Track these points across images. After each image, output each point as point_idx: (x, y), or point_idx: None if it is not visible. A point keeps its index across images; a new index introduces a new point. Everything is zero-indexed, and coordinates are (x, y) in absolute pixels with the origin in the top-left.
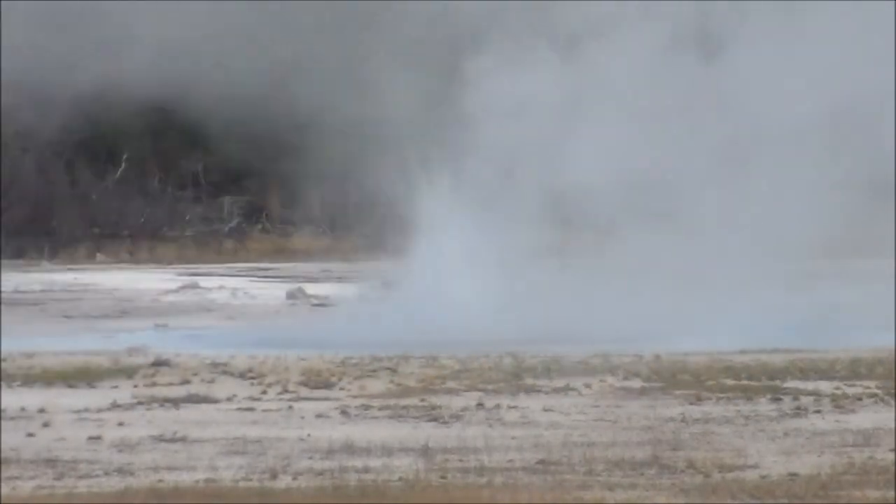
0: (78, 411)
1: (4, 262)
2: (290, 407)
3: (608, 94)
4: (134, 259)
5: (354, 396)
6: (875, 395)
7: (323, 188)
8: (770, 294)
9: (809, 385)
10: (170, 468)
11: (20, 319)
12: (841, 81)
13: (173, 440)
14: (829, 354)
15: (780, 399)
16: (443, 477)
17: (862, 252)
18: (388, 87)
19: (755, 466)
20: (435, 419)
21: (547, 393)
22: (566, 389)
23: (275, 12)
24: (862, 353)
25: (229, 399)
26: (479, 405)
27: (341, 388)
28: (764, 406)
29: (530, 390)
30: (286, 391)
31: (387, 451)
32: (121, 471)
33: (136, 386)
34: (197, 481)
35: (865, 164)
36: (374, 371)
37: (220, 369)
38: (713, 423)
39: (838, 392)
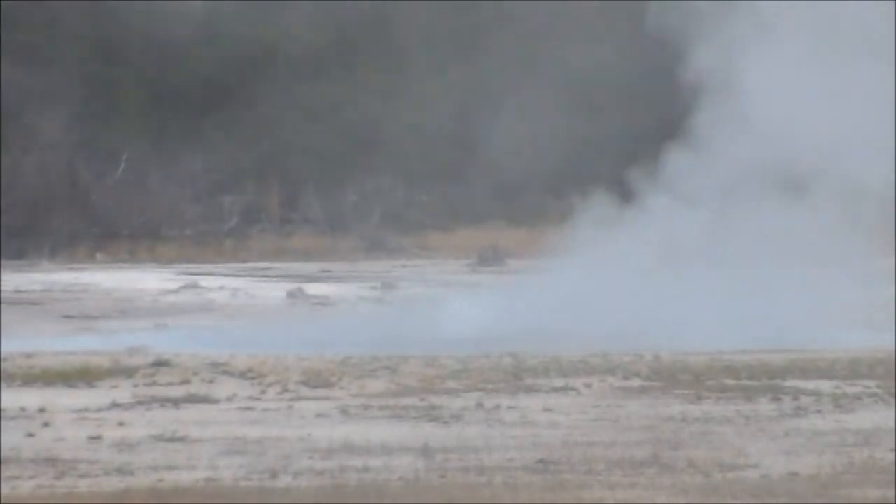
0: (78, 411)
1: (4, 262)
2: (290, 406)
3: None
4: (134, 259)
5: (354, 396)
6: (875, 394)
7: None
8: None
9: (809, 385)
10: (170, 468)
11: (20, 319)
12: None
13: (173, 440)
14: (829, 354)
15: (780, 399)
16: (443, 476)
17: None
18: None
19: (755, 466)
20: (435, 419)
21: (547, 392)
22: (566, 389)
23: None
24: (862, 353)
25: (229, 399)
26: (479, 405)
27: (341, 388)
28: (764, 406)
29: (530, 390)
30: (286, 391)
31: (387, 450)
32: (121, 470)
33: (135, 386)
34: (197, 481)
35: None
36: (374, 371)
37: (220, 369)
38: (713, 423)
39: (838, 392)
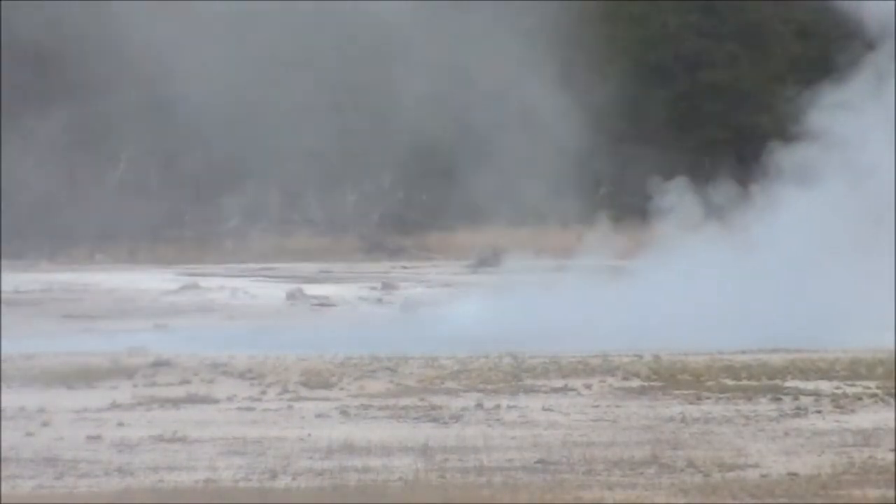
0: (78, 411)
1: (4, 262)
2: (290, 407)
3: None
4: (134, 259)
5: (354, 396)
6: (875, 394)
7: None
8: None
9: (809, 385)
10: (170, 468)
11: (20, 319)
12: None
13: (173, 440)
14: (829, 354)
15: (780, 399)
16: (442, 477)
17: None
18: None
19: (755, 466)
20: (434, 419)
21: (546, 393)
22: (566, 389)
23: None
24: (862, 353)
25: (229, 399)
26: (479, 405)
27: (341, 388)
28: (764, 406)
29: (530, 390)
30: (286, 391)
31: (386, 450)
32: (121, 471)
33: (135, 386)
34: (197, 481)
35: None
36: (374, 371)
37: (220, 369)
38: (713, 423)
39: (838, 392)
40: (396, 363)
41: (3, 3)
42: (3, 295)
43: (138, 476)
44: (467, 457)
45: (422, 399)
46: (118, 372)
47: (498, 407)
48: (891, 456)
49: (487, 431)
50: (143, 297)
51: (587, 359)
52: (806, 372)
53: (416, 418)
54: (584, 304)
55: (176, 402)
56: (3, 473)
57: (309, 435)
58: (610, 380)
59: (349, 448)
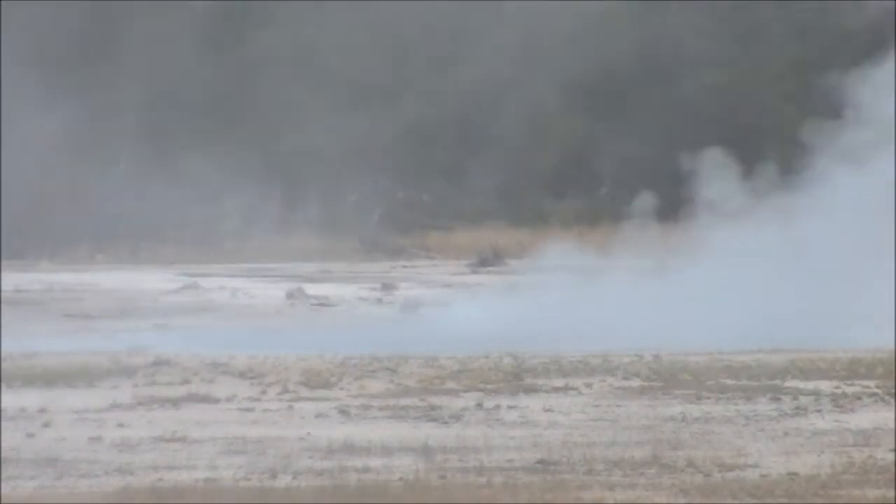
0: (78, 411)
1: (4, 262)
2: (290, 407)
3: None
4: (134, 259)
5: (354, 396)
6: (875, 394)
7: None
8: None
9: (809, 385)
10: (170, 468)
11: (20, 319)
12: None
13: (173, 440)
14: (829, 354)
15: (779, 399)
16: (442, 477)
17: None
18: None
19: (755, 466)
20: (435, 419)
21: (547, 393)
22: (566, 389)
23: None
24: (862, 353)
25: (229, 399)
26: (479, 405)
27: (341, 388)
28: (764, 406)
29: (530, 390)
30: (286, 391)
31: (386, 450)
32: (121, 470)
33: (136, 386)
34: (197, 481)
35: None
36: (374, 371)
37: (220, 369)
38: (713, 423)
39: (838, 392)
40: (396, 363)
41: (2, 2)
42: (3, 295)
43: (138, 476)
44: (467, 457)
45: (422, 399)
46: (118, 371)
47: (498, 407)
48: (891, 456)
49: (487, 431)
50: (143, 297)
51: (587, 358)
52: (806, 372)
53: (416, 418)
54: (586, 304)
55: (176, 402)
56: (4, 474)
57: (309, 434)
58: (610, 379)
59: (349, 448)
